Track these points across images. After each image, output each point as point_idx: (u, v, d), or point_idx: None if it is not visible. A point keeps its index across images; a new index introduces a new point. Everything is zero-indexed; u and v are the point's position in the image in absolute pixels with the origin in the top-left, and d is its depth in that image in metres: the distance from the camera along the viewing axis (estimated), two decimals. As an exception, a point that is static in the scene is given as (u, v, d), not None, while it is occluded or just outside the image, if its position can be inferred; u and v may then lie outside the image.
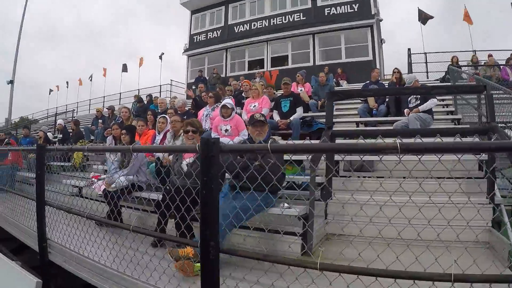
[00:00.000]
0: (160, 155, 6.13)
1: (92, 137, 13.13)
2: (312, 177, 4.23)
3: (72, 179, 6.62)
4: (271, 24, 23.77)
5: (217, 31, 25.68)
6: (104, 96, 30.27)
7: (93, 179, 6.52)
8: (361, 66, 20.00)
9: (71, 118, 21.28)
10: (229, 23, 25.25)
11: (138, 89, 26.99)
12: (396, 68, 10.53)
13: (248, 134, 7.64)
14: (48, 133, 12.54)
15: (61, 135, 13.43)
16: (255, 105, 8.41)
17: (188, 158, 4.82)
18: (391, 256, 2.12)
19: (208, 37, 26.00)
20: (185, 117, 7.49)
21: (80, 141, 11.73)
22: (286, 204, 4.07)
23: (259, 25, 24.16)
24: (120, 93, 29.02)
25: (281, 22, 23.48)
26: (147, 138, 7.34)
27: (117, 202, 4.66)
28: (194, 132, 4.90)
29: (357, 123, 9.25)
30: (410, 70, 18.70)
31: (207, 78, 21.85)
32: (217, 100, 8.67)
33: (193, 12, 26.92)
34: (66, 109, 30.57)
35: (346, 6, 21.98)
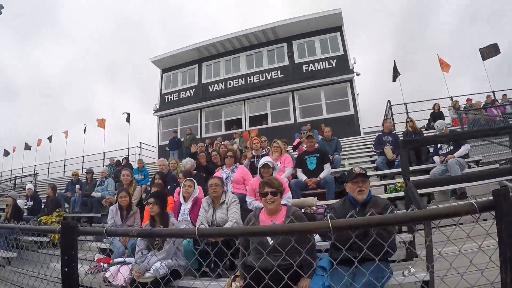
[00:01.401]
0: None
1: (66, 206, 11.35)
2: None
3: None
4: (248, 82, 23.18)
5: (190, 91, 24.71)
6: (65, 160, 27.98)
7: (101, 263, 5.17)
8: (343, 120, 19.76)
9: (30, 182, 19.22)
10: (203, 82, 24.40)
11: (104, 152, 25.62)
12: (409, 117, 10.62)
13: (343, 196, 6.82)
14: (18, 200, 10.37)
15: (31, 203, 10.73)
16: (277, 164, 7.31)
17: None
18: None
19: (181, 97, 24.91)
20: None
21: (57, 210, 10.03)
22: (412, 269, 3.61)
23: (235, 84, 23.48)
24: (83, 156, 26.96)
25: (258, 80, 22.96)
26: (169, 208, 5.94)
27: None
28: (274, 194, 3.83)
29: (380, 177, 8.95)
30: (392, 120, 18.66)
31: (182, 139, 20.58)
32: (236, 160, 7.52)
33: (164, 71, 25.96)
34: (35, 171, 28.26)
35: (324, 62, 21.91)
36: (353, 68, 21.18)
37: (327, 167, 7.60)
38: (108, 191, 10.03)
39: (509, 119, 12.80)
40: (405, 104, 20.36)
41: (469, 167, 8.16)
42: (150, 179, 10.36)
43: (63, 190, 12.48)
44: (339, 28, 22.29)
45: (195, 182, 5.98)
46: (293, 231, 1.86)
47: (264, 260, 3.28)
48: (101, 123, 26.82)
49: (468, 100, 17.95)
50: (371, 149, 13.12)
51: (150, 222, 4.73)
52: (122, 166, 14.04)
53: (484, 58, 20.80)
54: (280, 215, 3.88)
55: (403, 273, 3.62)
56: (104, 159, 24.53)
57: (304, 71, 22.12)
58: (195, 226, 5.08)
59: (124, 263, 4.72)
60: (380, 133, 10.01)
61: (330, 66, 21.73)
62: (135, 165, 14.10)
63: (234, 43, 23.71)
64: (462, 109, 16.38)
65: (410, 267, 3.66)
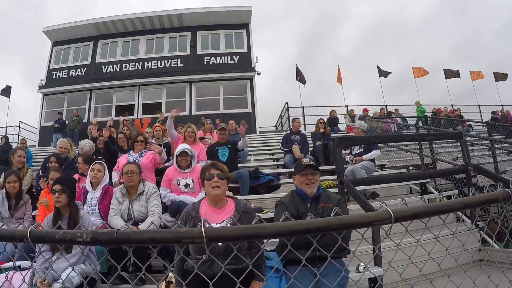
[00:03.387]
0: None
1: None
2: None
3: None
4: (145, 67, 21.82)
5: (82, 69, 22.30)
6: None
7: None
8: (240, 117, 19.23)
9: None
10: (96, 61, 22.30)
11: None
12: (321, 119, 10.64)
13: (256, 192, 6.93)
14: None
15: None
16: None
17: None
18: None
19: (71, 75, 22.28)
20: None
21: None
22: (362, 265, 3.59)
23: (131, 67, 21.92)
24: None
25: (156, 67, 21.75)
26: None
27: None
28: (222, 178, 3.32)
29: (288, 175, 8.76)
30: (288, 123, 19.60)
31: (66, 122, 18.89)
32: (146, 145, 6.80)
33: (56, 44, 23.08)
34: None
35: (226, 57, 21.63)
36: (255, 66, 21.23)
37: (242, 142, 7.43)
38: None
39: (402, 131, 13.94)
40: (303, 107, 21.06)
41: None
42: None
43: None
44: (246, 26, 22.26)
45: (105, 166, 5.16)
46: (349, 224, 1.46)
47: (211, 265, 2.90)
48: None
49: (365, 110, 19.17)
50: (269, 148, 13.25)
51: (54, 215, 3.84)
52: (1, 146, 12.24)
53: (380, 74, 22.64)
54: (228, 207, 3.32)
55: (357, 269, 3.62)
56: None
57: (205, 63, 21.60)
58: (105, 220, 4.41)
59: (17, 269, 3.59)
60: (288, 132, 10.05)
61: (232, 62, 21.54)
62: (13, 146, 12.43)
63: (135, 24, 22.27)
64: (357, 118, 17.42)
65: (361, 263, 3.59)
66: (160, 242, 1.39)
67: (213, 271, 2.85)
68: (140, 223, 4.37)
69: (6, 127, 22.45)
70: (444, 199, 5.82)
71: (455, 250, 2.34)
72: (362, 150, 7.76)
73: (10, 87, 23.38)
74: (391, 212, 1.42)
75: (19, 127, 23.10)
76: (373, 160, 7.76)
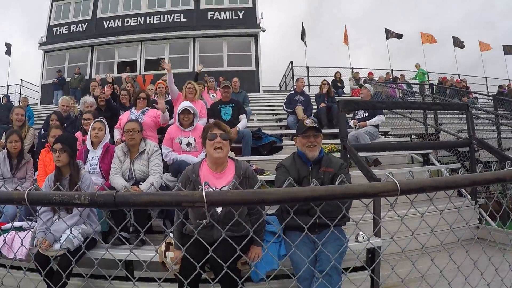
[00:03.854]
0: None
1: None
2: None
3: None
4: (148, 22, 21.23)
5: (83, 24, 21.70)
6: None
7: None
8: (244, 75, 18.77)
9: None
10: (97, 17, 21.62)
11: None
12: (325, 80, 10.26)
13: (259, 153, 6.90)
14: None
15: None
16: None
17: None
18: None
19: (71, 31, 21.58)
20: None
21: None
22: (364, 235, 3.55)
23: (133, 22, 21.34)
24: None
25: (159, 22, 21.17)
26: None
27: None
28: (225, 138, 3.14)
29: (291, 136, 8.51)
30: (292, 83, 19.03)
31: (67, 79, 18.77)
32: (148, 103, 6.70)
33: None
34: None
35: (230, 12, 21.07)
36: (260, 23, 20.72)
37: (243, 118, 7.24)
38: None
39: (407, 98, 13.74)
40: (307, 67, 20.76)
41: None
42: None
43: None
44: (250, -20, 21.49)
45: (106, 124, 5.06)
46: (356, 194, 1.41)
47: (211, 230, 2.89)
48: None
49: (370, 74, 18.86)
50: (272, 108, 13.11)
51: (55, 174, 3.77)
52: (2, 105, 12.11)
53: (387, 37, 22.10)
54: (229, 171, 3.20)
55: (356, 238, 3.56)
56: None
57: (209, 18, 21.04)
58: (107, 180, 4.38)
59: (20, 229, 3.73)
60: (292, 92, 9.82)
61: (237, 17, 21.00)
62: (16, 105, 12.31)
63: (138, -24, 21.52)
64: (362, 81, 17.18)
65: (361, 232, 3.53)
66: (159, 206, 1.36)
67: (213, 237, 2.83)
68: (141, 183, 4.32)
69: (8, 85, 22.20)
70: (448, 173, 5.80)
71: (455, 225, 2.21)
72: (367, 115, 7.61)
73: (11, 45, 23.07)
74: (397, 184, 1.37)
75: (21, 85, 22.76)
76: (376, 126, 7.65)
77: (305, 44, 22.56)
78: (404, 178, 1.55)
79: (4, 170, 5.09)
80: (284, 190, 1.37)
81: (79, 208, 3.33)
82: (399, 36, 23.36)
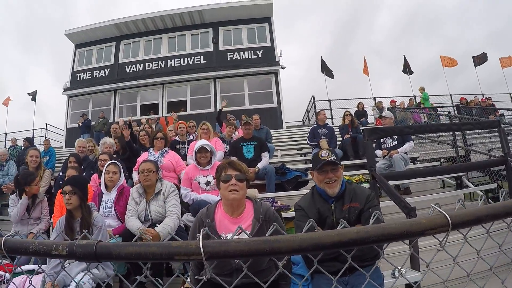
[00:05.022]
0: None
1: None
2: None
3: None
4: (168, 65, 21.68)
5: (105, 70, 22.41)
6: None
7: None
8: (266, 112, 18.93)
9: None
10: (119, 62, 22.35)
11: (6, 133, 22.73)
12: (347, 111, 10.22)
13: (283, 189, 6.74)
14: None
15: None
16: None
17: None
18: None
19: (94, 76, 22.37)
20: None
21: None
22: (401, 270, 3.17)
23: (155, 66, 21.82)
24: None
25: (179, 64, 21.57)
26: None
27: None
28: (241, 179, 2.79)
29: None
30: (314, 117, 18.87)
31: (92, 121, 19.01)
32: (166, 143, 6.55)
33: (78, 46, 23.27)
34: None
35: (249, 52, 21.30)
36: (279, 60, 20.83)
37: (266, 156, 7.00)
38: (8, 177, 8.53)
39: (432, 121, 13.40)
40: (329, 100, 20.58)
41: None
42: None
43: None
44: (268, 19, 21.84)
45: (121, 167, 4.88)
46: (395, 235, 1.12)
47: (230, 277, 2.57)
48: (6, 101, 23.75)
49: (392, 101, 18.54)
50: (297, 142, 12.92)
51: (67, 217, 3.61)
52: (25, 147, 12.29)
53: (404, 69, 21.96)
54: (247, 213, 2.82)
55: (393, 274, 3.19)
56: (5, 141, 21.74)
57: (229, 59, 21.30)
58: (122, 222, 4.17)
59: (32, 272, 3.51)
60: (315, 126, 9.63)
61: (256, 56, 21.19)
62: (40, 148, 12.47)
63: (156, 23, 22.14)
64: (386, 109, 16.90)
65: (398, 267, 3.11)
66: (147, 259, 1.11)
67: (233, 281, 2.53)
68: (157, 224, 4.11)
69: (33, 129, 22.65)
70: (483, 194, 5.32)
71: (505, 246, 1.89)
72: (396, 143, 7.34)
73: (36, 91, 23.78)
74: (448, 217, 1.11)
75: (46, 129, 23.28)
76: (406, 153, 7.33)
77: (332, 77, 22.47)
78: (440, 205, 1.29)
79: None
80: (305, 236, 1.12)
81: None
82: (409, 72, 23.15)
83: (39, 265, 3.44)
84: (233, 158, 6.87)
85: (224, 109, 12.50)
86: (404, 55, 22.60)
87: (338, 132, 9.96)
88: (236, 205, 2.80)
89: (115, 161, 4.92)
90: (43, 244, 1.20)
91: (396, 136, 7.29)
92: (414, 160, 8.71)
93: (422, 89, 19.24)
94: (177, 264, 3.93)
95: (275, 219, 2.78)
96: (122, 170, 4.86)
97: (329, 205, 3.10)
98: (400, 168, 6.69)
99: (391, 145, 7.40)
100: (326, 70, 22.36)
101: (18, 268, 3.52)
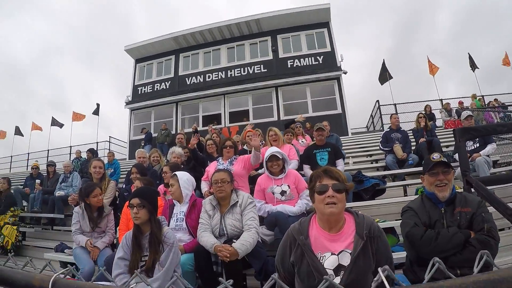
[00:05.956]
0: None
1: (24, 203, 9.75)
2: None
3: None
4: (229, 76, 21.61)
5: (166, 83, 22.79)
6: (28, 153, 25.88)
7: None
8: (330, 119, 18.00)
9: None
10: (179, 74, 22.61)
11: (70, 146, 23.88)
12: (421, 113, 9.54)
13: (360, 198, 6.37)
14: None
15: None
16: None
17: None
18: None
19: (155, 89, 22.94)
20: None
21: (12, 208, 8.46)
22: None
23: (215, 77, 21.84)
24: (48, 150, 24.97)
25: (239, 74, 21.44)
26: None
27: None
28: (339, 190, 2.27)
29: (391, 176, 8.15)
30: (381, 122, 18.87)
31: (153, 134, 19.52)
32: (236, 152, 6.11)
33: (138, 61, 23.92)
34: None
35: (310, 58, 20.75)
36: (340, 65, 20.13)
37: (341, 164, 6.51)
38: (73, 188, 8.51)
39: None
40: (395, 104, 19.69)
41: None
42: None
43: (21, 186, 10.84)
44: (326, 24, 21.24)
45: (179, 177, 4.34)
46: None
47: None
48: (77, 117, 24.79)
49: (460, 102, 17.51)
50: (365, 149, 12.26)
51: (134, 232, 3.23)
52: (88, 159, 12.45)
53: (471, 66, 20.69)
54: (347, 229, 2.30)
55: None
56: (70, 154, 22.58)
57: (289, 66, 20.87)
58: (194, 237, 3.74)
59: None
60: (388, 130, 9.01)
61: (317, 62, 20.59)
62: (104, 160, 12.64)
63: (214, 34, 22.17)
64: (454, 112, 16.06)
65: None
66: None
67: None
68: (234, 240, 3.62)
69: (97, 142, 23.54)
70: None
71: None
72: (478, 145, 6.86)
73: (99, 104, 24.66)
74: None
75: (110, 142, 24.11)
76: (488, 156, 6.77)
77: (385, 80, 21.51)
78: None
79: (83, 224, 4.82)
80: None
81: (161, 272, 2.93)
82: (474, 67, 21.53)
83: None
84: (306, 167, 6.38)
85: (287, 117, 12.05)
86: (468, 53, 21.05)
87: (412, 136, 9.19)
88: (334, 220, 2.29)
89: (175, 173, 4.47)
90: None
91: (477, 138, 6.77)
92: (494, 163, 7.82)
93: (474, 97, 17.91)
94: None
95: (381, 235, 2.28)
96: (181, 180, 4.32)
97: (439, 209, 2.97)
98: (484, 172, 6.20)
99: (473, 147, 6.93)
100: (384, 74, 21.40)
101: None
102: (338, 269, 2.14)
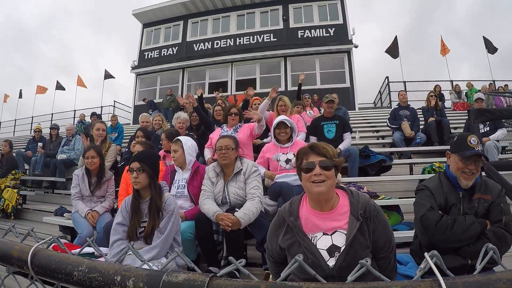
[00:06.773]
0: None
1: (26, 167, 9.76)
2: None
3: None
4: (237, 43, 21.28)
5: (173, 48, 22.50)
6: (32, 117, 25.67)
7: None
8: (338, 92, 17.74)
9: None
10: (187, 40, 22.29)
11: (74, 110, 23.81)
12: (432, 92, 9.47)
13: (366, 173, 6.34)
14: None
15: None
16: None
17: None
18: None
19: (162, 54, 22.66)
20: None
21: (13, 171, 8.40)
22: None
23: (223, 44, 21.51)
24: (51, 114, 25.06)
25: (248, 42, 21.10)
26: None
27: None
28: (327, 167, 2.08)
29: (397, 154, 8.07)
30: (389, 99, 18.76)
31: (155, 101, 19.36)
32: (241, 119, 5.97)
33: (146, 26, 23.58)
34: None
35: (321, 30, 20.33)
36: (352, 39, 19.74)
37: (348, 137, 6.38)
38: (75, 151, 8.47)
39: None
40: (404, 82, 19.41)
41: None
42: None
43: (24, 149, 10.76)
44: (339, -5, 20.72)
45: (183, 142, 4.14)
46: None
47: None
48: (81, 82, 24.62)
49: (470, 85, 17.07)
50: (371, 124, 12.12)
51: (133, 198, 3.13)
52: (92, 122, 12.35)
53: (487, 48, 20.15)
54: (341, 208, 2.11)
55: None
56: (74, 118, 22.40)
57: (299, 37, 20.47)
58: (196, 204, 3.64)
59: (92, 256, 2.95)
60: (396, 107, 8.83)
61: (328, 34, 20.18)
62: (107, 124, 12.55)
63: (225, 1, 21.71)
64: (464, 94, 16.03)
65: None
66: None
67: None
68: (236, 209, 3.51)
69: (102, 107, 23.51)
70: None
71: None
72: (488, 129, 6.93)
73: (107, 70, 24.65)
74: None
75: (114, 106, 24.12)
76: (497, 141, 6.81)
77: (394, 57, 21.03)
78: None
79: (82, 188, 4.70)
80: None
81: (161, 236, 2.87)
82: (492, 51, 20.83)
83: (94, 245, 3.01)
84: (312, 138, 6.25)
85: (294, 88, 11.77)
86: (483, 36, 20.43)
87: (421, 115, 9.00)
88: (324, 200, 2.11)
89: (178, 138, 4.30)
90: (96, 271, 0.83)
91: (488, 122, 6.79)
92: (502, 149, 7.62)
93: (471, 85, 17.40)
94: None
95: (377, 214, 2.10)
96: (184, 146, 4.14)
97: (457, 193, 2.76)
98: (493, 157, 6.12)
99: (483, 131, 6.85)
100: (391, 50, 20.92)
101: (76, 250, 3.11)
102: (331, 249, 1.99)
